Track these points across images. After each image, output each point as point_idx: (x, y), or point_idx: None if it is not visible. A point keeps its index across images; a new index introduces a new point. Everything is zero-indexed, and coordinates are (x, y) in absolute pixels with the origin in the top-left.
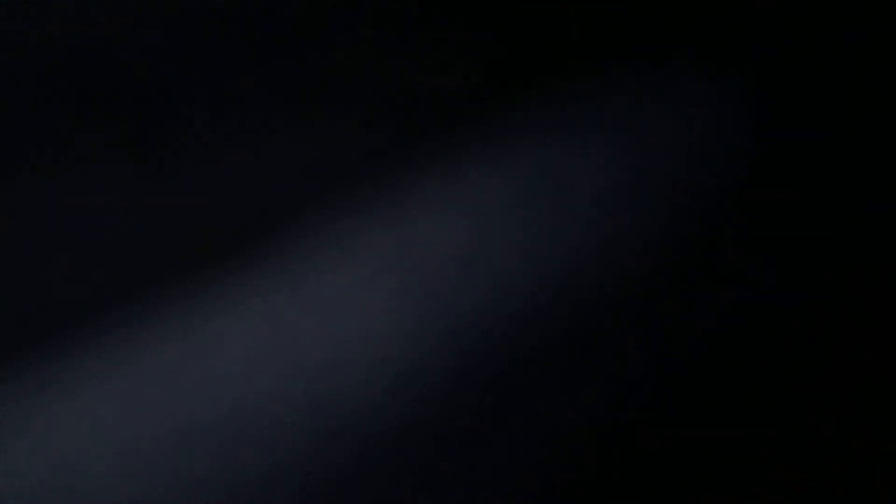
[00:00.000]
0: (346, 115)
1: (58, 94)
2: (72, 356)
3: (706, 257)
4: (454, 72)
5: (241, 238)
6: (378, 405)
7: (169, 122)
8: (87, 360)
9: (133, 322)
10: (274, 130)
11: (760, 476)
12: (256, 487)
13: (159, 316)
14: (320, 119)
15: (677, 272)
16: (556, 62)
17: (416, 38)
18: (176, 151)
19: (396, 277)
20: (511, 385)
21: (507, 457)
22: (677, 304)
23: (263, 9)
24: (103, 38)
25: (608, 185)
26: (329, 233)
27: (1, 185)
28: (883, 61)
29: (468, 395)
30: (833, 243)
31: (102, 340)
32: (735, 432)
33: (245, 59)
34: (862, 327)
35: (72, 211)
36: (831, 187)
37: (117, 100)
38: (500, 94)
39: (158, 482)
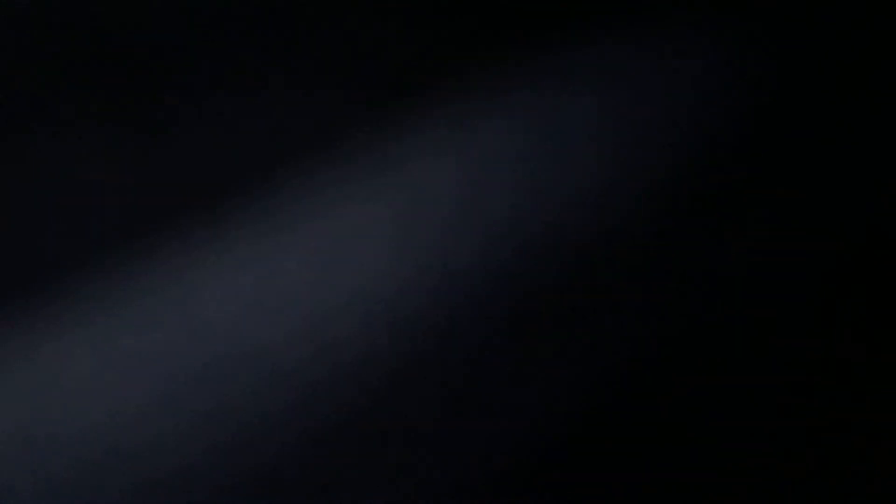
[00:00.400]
0: (341, 65)
1: (53, 64)
2: (60, 305)
3: (704, 207)
4: (451, 20)
5: (233, 187)
6: (373, 354)
7: (164, 89)
8: (75, 310)
9: (122, 271)
10: (266, 83)
11: (746, 466)
12: (250, 437)
13: (154, 263)
14: (313, 70)
15: (674, 222)
16: (552, 9)
17: None
18: (168, 103)
19: (392, 225)
20: (507, 334)
21: (502, 407)
22: (674, 256)
23: None
24: (99, 10)
25: (605, 133)
26: (324, 180)
27: None
28: (883, 10)
29: (464, 344)
30: (839, 206)
31: (90, 291)
32: (729, 410)
33: (239, 21)
34: (863, 291)
35: (61, 168)
36: (835, 143)
37: (111, 70)
38: (496, 41)
39: (146, 433)
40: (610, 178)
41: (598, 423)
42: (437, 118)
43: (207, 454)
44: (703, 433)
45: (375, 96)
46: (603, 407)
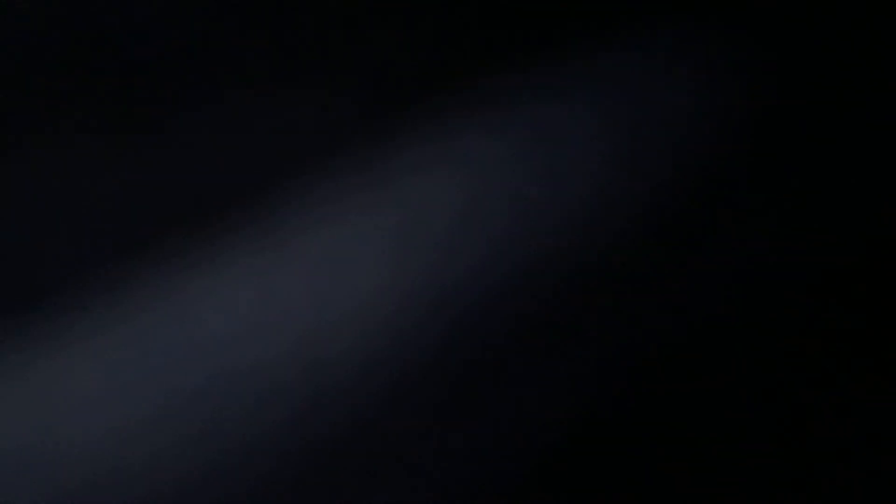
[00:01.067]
0: (338, 78)
1: (52, 70)
2: (58, 320)
3: (705, 221)
4: (448, 34)
5: (231, 201)
6: (371, 369)
7: (158, 95)
8: (74, 325)
9: (120, 286)
10: (263, 97)
11: (755, 467)
12: (244, 454)
13: (147, 280)
14: (311, 84)
15: (675, 236)
16: (550, 22)
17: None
18: (165, 119)
19: (390, 239)
20: (503, 350)
21: (499, 424)
22: (674, 271)
23: None
24: (91, 16)
25: (603, 147)
26: (320, 196)
27: None
28: (883, 10)
29: (460, 361)
30: (839, 208)
31: (89, 305)
32: (730, 412)
33: (234, 34)
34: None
35: (59, 180)
36: (835, 145)
37: (103, 75)
38: (494, 54)
39: (145, 448)
40: (609, 187)
41: (598, 433)
42: (434, 131)
43: (207, 468)
44: (703, 433)
45: (373, 110)
46: (603, 419)
